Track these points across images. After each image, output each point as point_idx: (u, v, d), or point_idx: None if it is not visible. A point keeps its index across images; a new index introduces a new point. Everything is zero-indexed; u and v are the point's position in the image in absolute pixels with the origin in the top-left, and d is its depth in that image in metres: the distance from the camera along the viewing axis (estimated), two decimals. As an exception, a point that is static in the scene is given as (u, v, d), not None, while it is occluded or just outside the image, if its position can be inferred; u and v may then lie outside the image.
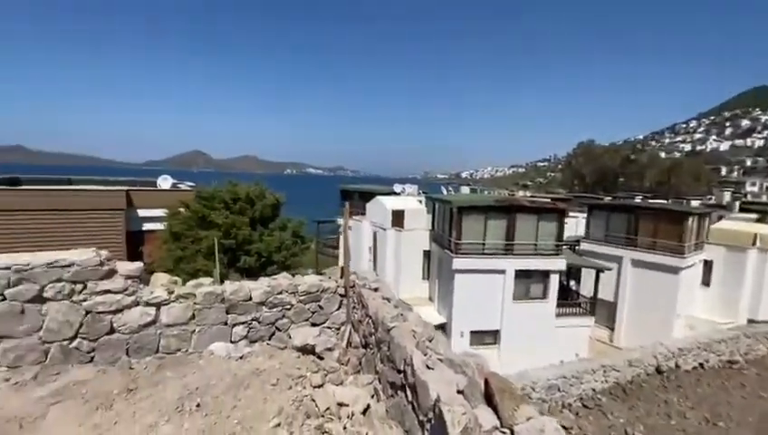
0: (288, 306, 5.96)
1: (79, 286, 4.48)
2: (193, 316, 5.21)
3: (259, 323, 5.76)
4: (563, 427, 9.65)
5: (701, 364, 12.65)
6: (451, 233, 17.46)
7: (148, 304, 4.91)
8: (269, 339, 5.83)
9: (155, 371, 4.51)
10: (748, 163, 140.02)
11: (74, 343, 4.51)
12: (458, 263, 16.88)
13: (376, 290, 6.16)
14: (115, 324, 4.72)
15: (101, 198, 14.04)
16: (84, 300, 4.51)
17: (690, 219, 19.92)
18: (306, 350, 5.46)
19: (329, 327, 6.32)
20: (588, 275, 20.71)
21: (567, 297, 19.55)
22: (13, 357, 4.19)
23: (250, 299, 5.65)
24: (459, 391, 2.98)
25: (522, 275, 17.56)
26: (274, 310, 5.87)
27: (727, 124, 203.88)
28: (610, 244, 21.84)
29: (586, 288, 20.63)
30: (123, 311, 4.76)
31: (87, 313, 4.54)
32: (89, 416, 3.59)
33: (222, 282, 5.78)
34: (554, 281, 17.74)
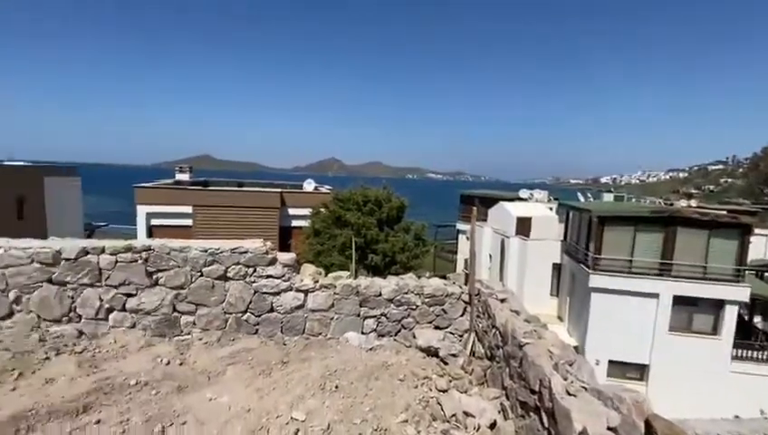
0: (413, 306, 6.15)
1: (250, 270, 5.45)
2: (332, 305, 5.82)
3: (387, 318, 6.09)
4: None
5: None
6: (588, 246, 15.55)
7: (298, 290, 5.67)
8: (395, 335, 6.12)
9: (302, 349, 5.19)
10: None
11: (245, 316, 5.50)
12: (596, 280, 14.91)
13: (503, 301, 5.89)
14: (274, 304, 5.59)
15: (263, 198, 16.84)
16: (254, 282, 5.47)
17: None
18: (430, 352, 5.55)
19: (452, 332, 6.30)
20: (785, 313, 16.00)
21: (750, 336, 15.43)
22: (205, 322, 5.35)
23: (380, 295, 6.02)
24: (611, 428, 2.63)
25: (683, 302, 14.57)
26: (401, 308, 6.13)
27: None
28: (826, 274, 16.42)
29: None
30: (280, 294, 5.60)
31: (255, 292, 5.50)
32: (253, 380, 4.32)
33: (355, 277, 6.31)
34: (731, 314, 14.21)
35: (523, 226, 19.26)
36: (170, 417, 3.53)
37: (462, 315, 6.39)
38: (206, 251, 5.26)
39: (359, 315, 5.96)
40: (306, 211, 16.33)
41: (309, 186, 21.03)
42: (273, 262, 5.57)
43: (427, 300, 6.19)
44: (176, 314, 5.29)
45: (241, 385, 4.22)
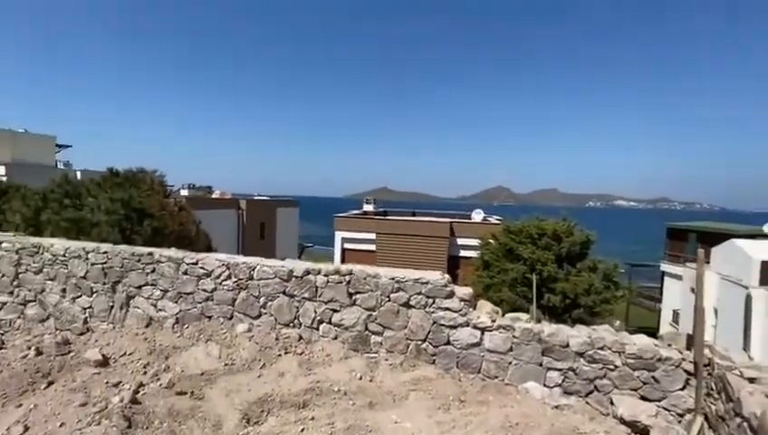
0: (611, 366, 5.22)
1: (430, 300, 5.73)
2: (511, 348, 5.50)
3: (576, 374, 5.35)
4: None
5: None
6: None
7: (475, 326, 5.62)
8: (586, 396, 5.30)
9: (479, 390, 5.05)
10: None
11: (424, 345, 5.77)
12: None
13: (752, 381, 4.38)
14: (451, 338, 5.68)
15: (434, 227, 17.70)
16: (433, 312, 5.72)
17: None
18: (636, 428, 4.56)
19: (666, 409, 5.03)
20: None
21: None
22: (390, 344, 5.86)
23: (567, 346, 5.36)
24: None
25: None
26: (594, 365, 5.29)
27: None
28: None
29: None
30: (457, 328, 5.66)
31: (433, 323, 5.72)
32: (434, 412, 4.44)
33: (539, 321, 5.83)
34: None
35: (773, 273, 14.14)
36: (364, 430, 3.95)
37: (683, 389, 5.05)
38: (393, 279, 5.82)
39: (541, 365, 5.44)
40: (474, 241, 16.22)
41: (477, 216, 20.92)
42: (450, 295, 5.71)
43: (630, 361, 5.17)
44: (367, 332, 5.99)
45: (423, 414, 4.39)
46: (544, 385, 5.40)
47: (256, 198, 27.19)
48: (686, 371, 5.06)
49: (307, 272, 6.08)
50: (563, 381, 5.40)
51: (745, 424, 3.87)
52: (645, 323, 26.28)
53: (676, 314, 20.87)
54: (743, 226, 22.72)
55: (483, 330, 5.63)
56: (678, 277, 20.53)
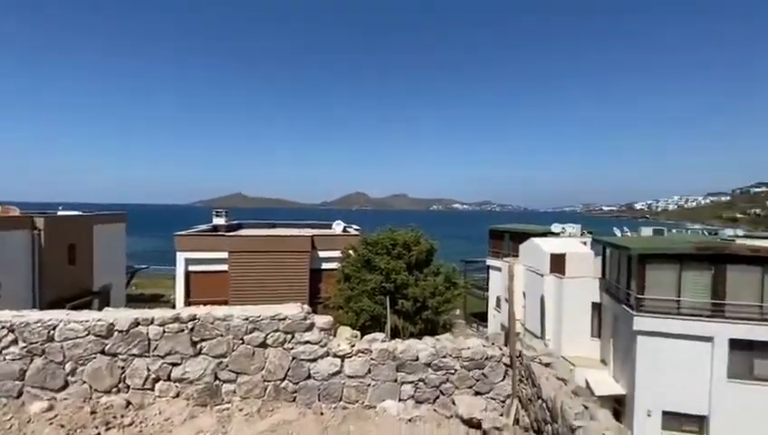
0: (452, 371, 5.97)
1: (289, 336, 5.51)
2: (369, 371, 5.73)
3: (425, 384, 5.93)
4: None
5: None
6: (630, 285, 14.81)
7: (335, 355, 5.65)
8: (434, 402, 5.92)
9: (341, 421, 5.10)
10: None
11: (283, 384, 5.51)
12: (641, 323, 14.05)
13: (548, 365, 5.64)
14: (311, 371, 5.58)
15: (294, 242, 17.25)
16: (292, 348, 5.51)
17: None
18: (472, 424, 5.32)
19: (493, 398, 6.04)
20: None
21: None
22: (245, 390, 5.39)
23: (417, 359, 5.89)
24: None
25: (741, 346, 13.44)
26: (439, 373, 5.96)
27: None
28: None
29: None
30: (317, 360, 5.60)
31: (293, 359, 5.52)
32: (295, 457, 4.26)
33: (392, 333, 6.23)
34: (800, 360, 12.94)
35: (558, 263, 18.63)
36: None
37: (503, 380, 6.13)
38: (247, 319, 5.38)
39: (396, 381, 5.83)
40: (336, 253, 16.51)
41: (338, 227, 21.36)
42: (310, 327, 5.61)
43: (466, 364, 6.01)
44: (218, 382, 5.37)
45: (282, 465, 4.16)
46: (399, 400, 5.81)
47: (61, 213, 21.43)
48: (505, 364, 6.17)
49: (136, 323, 5.09)
50: (415, 392, 5.92)
51: (545, 405, 4.93)
52: (477, 308, 31.38)
53: (498, 300, 25.57)
54: (539, 226, 29.19)
55: (343, 357, 5.71)
56: (499, 269, 25.19)
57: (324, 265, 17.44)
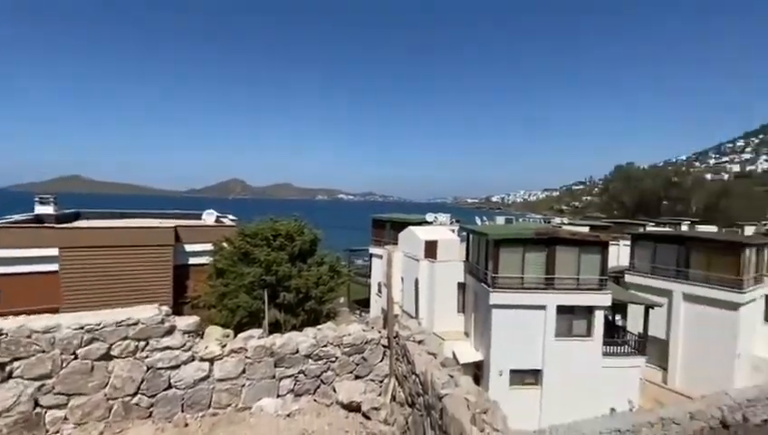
0: (333, 359, 5.96)
1: (142, 344, 4.70)
2: (244, 371, 5.31)
3: (305, 375, 5.78)
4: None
5: (775, 419, 11.42)
6: (488, 266, 17.07)
7: (202, 359, 5.06)
8: (314, 392, 5.83)
9: (209, 430, 4.59)
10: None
11: (135, 399, 4.69)
12: (496, 298, 16.39)
13: (420, 343, 6.06)
14: (172, 380, 4.89)
15: (152, 235, 14.88)
16: (146, 357, 4.72)
17: (747, 250, 18.52)
18: (352, 407, 5.40)
19: (372, 380, 6.25)
20: (636, 310, 19.50)
21: (613, 335, 18.40)
22: (80, 414, 4.41)
23: (297, 352, 5.70)
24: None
25: (564, 311, 16.78)
26: (320, 362, 5.88)
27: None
28: (659, 276, 20.60)
29: (634, 324, 19.40)
30: (180, 366, 4.93)
31: (148, 369, 4.74)
32: (150, 481, 3.67)
33: (272, 328, 5.89)
34: (599, 318, 16.80)
35: (431, 249, 20.38)
36: None
37: (381, 360, 6.39)
38: (81, 328, 4.39)
39: (274, 377, 5.54)
40: (206, 246, 14.86)
41: (209, 217, 19.29)
42: (170, 331, 4.90)
43: (347, 350, 6.06)
44: (39, 409, 4.27)
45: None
46: (278, 396, 5.55)
47: None
48: (383, 345, 6.44)
49: None
50: (295, 385, 5.73)
51: (418, 380, 5.29)
52: (361, 295, 32.44)
53: (379, 286, 26.83)
54: (416, 216, 31.46)
55: (212, 360, 5.16)
56: (381, 257, 26.41)
57: (192, 260, 15.53)
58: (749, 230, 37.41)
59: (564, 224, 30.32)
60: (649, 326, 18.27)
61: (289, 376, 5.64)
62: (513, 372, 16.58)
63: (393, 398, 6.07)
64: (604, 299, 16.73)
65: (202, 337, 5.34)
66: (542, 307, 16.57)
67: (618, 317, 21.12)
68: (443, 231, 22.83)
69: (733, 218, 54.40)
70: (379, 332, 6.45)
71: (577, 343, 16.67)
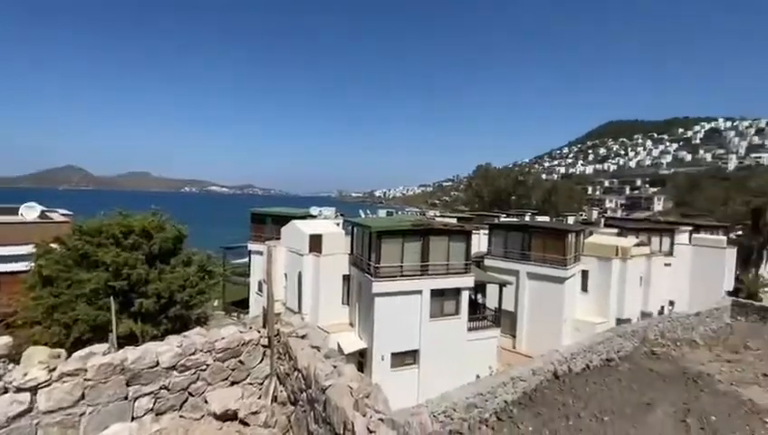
0: (203, 367, 5.33)
1: None
2: (83, 396, 4.33)
3: (168, 390, 5.03)
4: (482, 443, 10.09)
5: (587, 365, 14.61)
6: (370, 257, 17.64)
7: (19, 389, 3.94)
8: (180, 407, 5.12)
9: (29, 479, 3.60)
10: (606, 184, 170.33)
11: None
12: (378, 286, 17.07)
13: (304, 337, 5.87)
14: (-32, 424, 3.68)
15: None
16: None
17: (570, 236, 23.24)
18: (227, 416, 4.91)
19: (251, 383, 5.81)
20: (493, 289, 22.66)
21: (476, 312, 21.07)
22: None
23: (157, 365, 4.91)
24: (407, 460, 2.95)
25: (436, 294, 18.44)
26: (187, 373, 5.19)
27: (590, 151, 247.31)
28: (509, 259, 24.34)
29: (491, 301, 22.52)
30: (-19, 404, 3.74)
31: None
32: None
33: (127, 341, 4.92)
34: (465, 297, 18.99)
35: (316, 243, 20.08)
36: None
37: (261, 361, 5.99)
38: None
39: (126, 398, 4.66)
40: (25, 249, 11.78)
41: (30, 212, 15.28)
42: (-37, 359, 3.67)
43: (220, 355, 5.49)
44: None
45: None
46: (132, 419, 4.70)
47: None
48: (263, 345, 6.04)
49: None
50: (155, 403, 4.94)
51: (300, 375, 5.10)
52: (240, 296, 30.12)
53: (260, 284, 25.36)
54: (300, 209, 30.63)
55: (34, 389, 4.05)
56: (261, 253, 24.94)
57: (5, 267, 12.10)
58: (571, 220, 47.30)
59: (437, 216, 33.45)
60: (503, 302, 21.47)
61: (147, 394, 4.82)
62: (394, 355, 17.57)
63: (275, 398, 5.75)
64: (469, 281, 18.95)
65: (18, 362, 4.16)
66: (419, 292, 17.92)
67: (479, 296, 24.26)
68: (328, 225, 22.74)
69: (560, 210, 68.14)
70: (259, 331, 6.03)
71: (447, 321, 18.53)
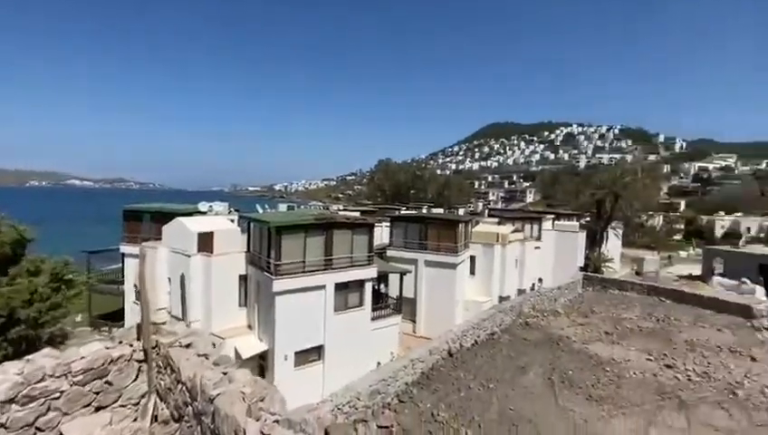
0: (56, 395, 4.41)
1: None
2: None
3: (6, 429, 4.03)
4: (384, 427, 10.55)
5: (476, 341, 16.27)
6: (270, 254, 16.80)
7: None
8: (23, 449, 4.15)
9: None
10: (490, 179, 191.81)
11: None
12: (279, 285, 16.38)
13: (188, 346, 5.29)
14: None
15: None
16: None
17: (460, 225, 25.48)
18: (91, 448, 4.15)
19: (123, 405, 5.02)
20: (394, 278, 23.65)
21: (379, 301, 21.77)
22: None
23: (-16, 401, 3.89)
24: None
25: (341, 287, 18.49)
26: (33, 405, 4.24)
27: (476, 150, 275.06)
28: (409, 249, 25.68)
29: (393, 289, 23.50)
30: None
31: None
32: None
33: None
34: (368, 288, 19.44)
35: (206, 242, 18.30)
36: None
37: (136, 379, 5.21)
38: None
39: (-66, 450, 3.60)
40: None
41: None
42: None
43: (79, 378, 4.60)
44: None
45: None
46: (-54, 475, 3.65)
47: None
48: (138, 360, 5.26)
49: None
50: (-17, 449, 3.92)
51: (184, 388, 4.57)
52: (111, 307, 25.81)
53: (137, 292, 22.24)
54: (185, 205, 27.49)
55: None
56: (137, 256, 21.82)
57: None
58: (461, 211, 52.02)
59: (340, 210, 33.50)
60: (404, 289, 22.57)
61: (-31, 440, 3.80)
62: (297, 353, 17.13)
63: (155, 418, 5.07)
64: (372, 272, 19.43)
65: None
66: (323, 287, 17.74)
67: (382, 286, 25.11)
68: (220, 221, 20.92)
69: (452, 203, 74.35)
70: (132, 345, 5.23)
71: (352, 313, 18.76)
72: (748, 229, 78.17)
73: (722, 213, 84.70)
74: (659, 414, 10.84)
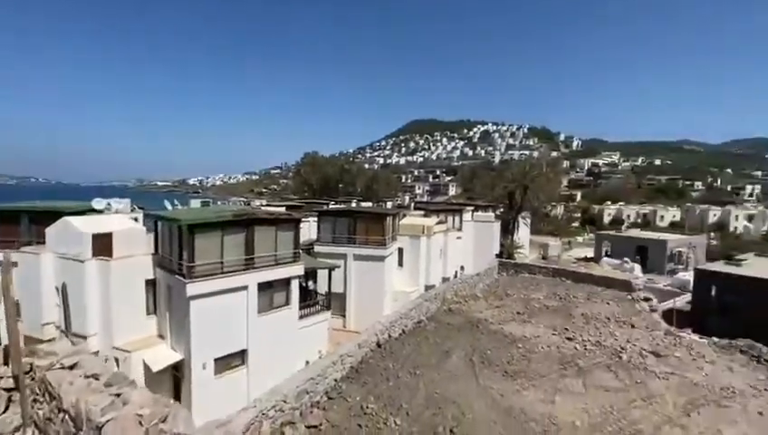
0: None
1: None
2: None
3: None
4: (313, 426, 10.32)
5: (403, 330, 16.71)
6: (182, 255, 15.34)
7: None
8: None
9: None
10: (416, 173, 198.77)
11: None
12: (193, 288, 15.03)
13: (73, 368, 4.53)
14: None
15: None
16: None
17: (388, 219, 25.90)
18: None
19: (-15, 446, 4.12)
20: (323, 273, 23.24)
21: (307, 298, 21.22)
22: None
23: None
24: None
25: (264, 287, 17.60)
26: None
27: (402, 145, 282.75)
28: (338, 244, 25.44)
29: (322, 285, 23.11)
30: None
31: None
32: None
33: None
34: (295, 286, 18.80)
35: (103, 244, 16.04)
36: None
37: (5, 411, 4.32)
38: None
39: None
40: None
41: None
42: None
43: None
44: None
45: None
46: None
47: None
48: (6, 389, 4.37)
49: None
50: None
51: (67, 417, 3.90)
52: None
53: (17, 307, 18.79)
54: (75, 202, 23.84)
55: None
56: (15, 264, 18.37)
57: None
58: (389, 204, 53.07)
59: (264, 205, 31.86)
60: (333, 285, 22.30)
61: None
62: (217, 360, 15.98)
63: (30, 457, 4.25)
64: (298, 269, 18.82)
65: None
66: (244, 288, 16.74)
67: (310, 282, 24.53)
68: (120, 220, 18.52)
69: (380, 196, 75.45)
70: (-6, 372, 4.31)
71: (278, 313, 18.02)
72: (628, 216, 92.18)
73: (609, 202, 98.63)
74: (562, 382, 12.19)
